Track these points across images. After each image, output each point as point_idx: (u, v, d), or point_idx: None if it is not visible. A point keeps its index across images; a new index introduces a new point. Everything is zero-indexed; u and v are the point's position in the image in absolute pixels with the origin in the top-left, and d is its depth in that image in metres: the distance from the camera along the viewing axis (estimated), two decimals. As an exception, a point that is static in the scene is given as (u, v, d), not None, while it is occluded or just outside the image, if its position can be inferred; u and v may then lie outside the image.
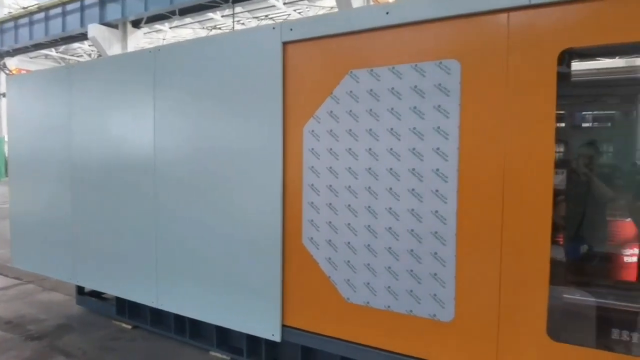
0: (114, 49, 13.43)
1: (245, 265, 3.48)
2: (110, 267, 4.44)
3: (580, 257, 3.46)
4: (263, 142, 3.33)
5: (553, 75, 2.33)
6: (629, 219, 3.87)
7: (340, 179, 3.05)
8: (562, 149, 3.72)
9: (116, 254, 4.37)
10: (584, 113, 4.06)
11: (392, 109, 2.84)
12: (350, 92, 2.98)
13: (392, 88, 2.83)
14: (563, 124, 3.68)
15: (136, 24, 14.21)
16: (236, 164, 3.49)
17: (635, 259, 4.02)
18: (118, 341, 4.32)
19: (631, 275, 3.97)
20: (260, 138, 3.34)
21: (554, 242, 3.29)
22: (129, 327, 4.60)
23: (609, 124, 4.35)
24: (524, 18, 2.42)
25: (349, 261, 3.04)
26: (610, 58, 3.69)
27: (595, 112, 4.12)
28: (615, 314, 3.04)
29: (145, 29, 15.16)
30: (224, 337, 3.96)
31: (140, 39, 14.75)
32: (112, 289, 4.56)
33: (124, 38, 13.76)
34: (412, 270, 2.80)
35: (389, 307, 2.91)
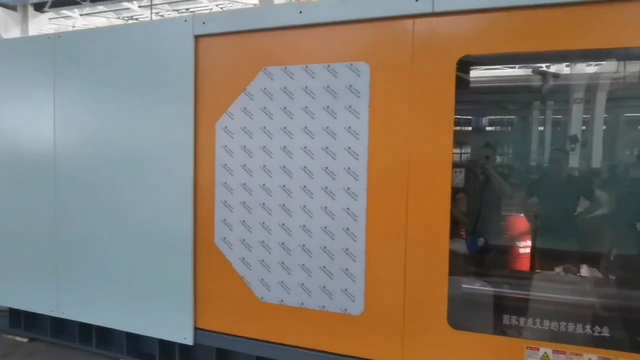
0: (12, 33, 12.12)
1: (155, 267, 3.31)
2: (1, 275, 4.00)
3: (479, 249, 3.75)
4: (173, 139, 3.19)
5: (452, 80, 2.49)
6: (522, 214, 4.26)
7: (254, 177, 3.01)
8: (462, 150, 4.00)
9: (8, 260, 3.96)
10: (483, 117, 4.41)
11: (305, 107, 2.86)
12: (265, 89, 2.96)
13: (306, 87, 2.85)
14: (464, 127, 3.96)
15: (39, 7, 12.94)
16: (144, 161, 3.31)
17: (528, 250, 4.44)
18: (10, 357, 3.91)
19: (525, 265, 4.38)
20: (170, 134, 3.20)
21: (456, 236, 3.54)
22: (25, 340, 4.19)
23: (508, 128, 4.76)
24: (427, 25, 2.56)
25: (263, 260, 3.02)
26: (509, 67, 4.03)
27: (493, 117, 4.49)
28: (510, 301, 3.32)
29: (50, 14, 13.87)
30: (134, 343, 3.74)
31: (45, 24, 13.46)
32: (3, 299, 4.12)
33: (25, 21, 12.47)
34: (324, 267, 2.85)
35: (302, 304, 2.93)
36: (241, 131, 3.03)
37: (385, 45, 2.65)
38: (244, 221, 3.06)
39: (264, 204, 2.99)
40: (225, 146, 3.07)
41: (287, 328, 2.98)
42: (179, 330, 3.26)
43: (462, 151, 4.08)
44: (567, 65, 4.09)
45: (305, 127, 2.86)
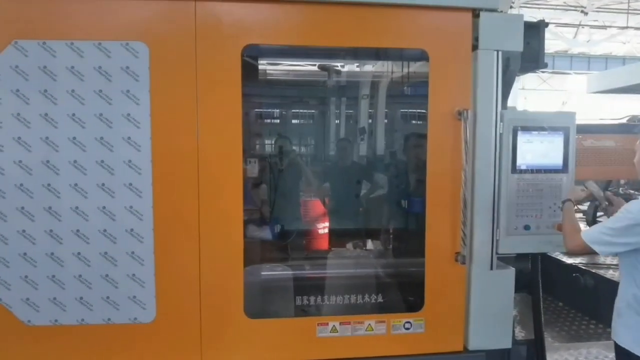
0: None
1: None
2: None
3: (279, 236, 3.87)
4: None
5: (238, 69, 2.44)
6: (317, 199, 4.56)
7: (7, 177, 2.44)
8: (257, 141, 4.07)
9: None
10: (277, 109, 4.56)
11: (73, 91, 2.44)
12: (16, 67, 2.41)
13: (73, 67, 2.43)
14: (259, 119, 4.02)
15: None
16: None
17: (325, 231, 4.80)
18: None
19: (322, 246, 4.72)
20: None
21: (256, 225, 3.56)
22: None
23: (302, 120, 5.02)
24: (210, 10, 2.44)
25: (26, 276, 2.49)
26: (299, 61, 4.20)
27: (288, 110, 4.68)
28: (307, 281, 3.51)
29: None
30: None
31: None
32: None
33: None
34: (107, 275, 2.51)
35: (82, 320, 2.53)
36: (-17, 119, 2.41)
37: (165, 26, 2.43)
38: (-5, 232, 2.46)
39: (23, 208, 2.45)
40: (-44, 139, 2.40)
41: (65, 350, 2.54)
42: None
43: (260, 142, 4.13)
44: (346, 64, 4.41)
45: (74, 115, 2.44)
